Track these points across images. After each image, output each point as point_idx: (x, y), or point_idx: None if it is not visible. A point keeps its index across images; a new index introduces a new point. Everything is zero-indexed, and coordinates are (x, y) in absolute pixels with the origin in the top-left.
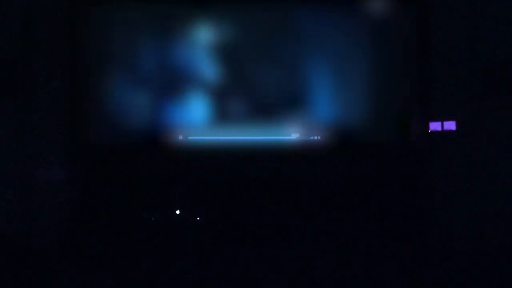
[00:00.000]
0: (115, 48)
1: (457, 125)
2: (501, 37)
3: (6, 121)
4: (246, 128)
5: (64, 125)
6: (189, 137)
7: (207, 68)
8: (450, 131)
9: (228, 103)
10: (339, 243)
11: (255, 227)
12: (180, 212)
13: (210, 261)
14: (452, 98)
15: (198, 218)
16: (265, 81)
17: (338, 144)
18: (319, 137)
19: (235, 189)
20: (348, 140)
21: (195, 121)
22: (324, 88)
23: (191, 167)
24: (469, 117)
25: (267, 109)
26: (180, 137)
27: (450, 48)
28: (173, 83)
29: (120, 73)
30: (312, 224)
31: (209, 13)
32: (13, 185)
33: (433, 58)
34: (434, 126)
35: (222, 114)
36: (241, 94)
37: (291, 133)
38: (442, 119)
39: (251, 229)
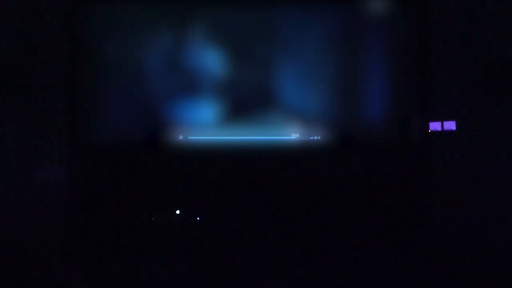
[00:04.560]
0: (115, 47)
1: (457, 125)
2: (501, 37)
3: (6, 121)
4: (246, 128)
5: (64, 125)
6: (189, 137)
7: (207, 67)
8: (450, 131)
9: (228, 102)
10: (339, 243)
11: (255, 227)
12: (180, 212)
13: (210, 261)
14: (452, 98)
15: (198, 218)
16: (266, 81)
17: (338, 144)
18: (319, 137)
19: (235, 189)
20: (348, 140)
21: (195, 121)
22: (324, 88)
23: (191, 167)
24: (469, 117)
25: (268, 109)
26: (180, 137)
27: (450, 48)
28: (173, 82)
29: (120, 73)
30: (312, 224)
31: (208, 10)
32: (13, 185)
33: (433, 58)
34: (434, 126)
35: (222, 114)
36: (242, 94)
37: (291, 133)
38: (442, 119)
39: (251, 229)
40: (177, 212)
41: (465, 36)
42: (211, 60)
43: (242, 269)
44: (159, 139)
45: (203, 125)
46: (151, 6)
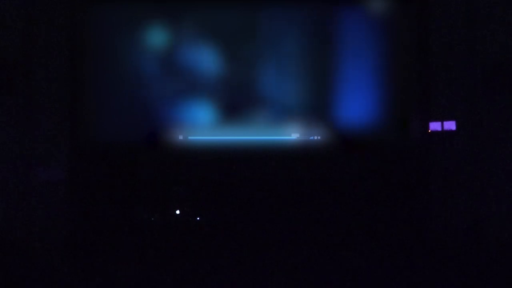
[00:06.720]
0: (115, 48)
1: (457, 125)
2: (501, 37)
3: (6, 121)
4: (247, 128)
5: (64, 125)
6: (189, 137)
7: (209, 69)
8: (450, 131)
9: (228, 103)
10: (339, 242)
11: (255, 226)
12: (180, 212)
13: (210, 261)
14: (452, 98)
15: (198, 218)
16: (266, 81)
17: (338, 144)
18: (319, 137)
19: (235, 189)
20: (348, 140)
21: (195, 121)
22: (324, 88)
23: (191, 167)
24: (469, 117)
25: (268, 109)
26: (180, 137)
27: (450, 48)
28: (174, 83)
29: (120, 73)
30: (312, 223)
31: (208, 12)
32: (13, 185)
33: (433, 58)
34: (434, 126)
35: (223, 114)
36: (243, 94)
37: (291, 133)
38: (442, 119)
39: (251, 228)
40: (177, 212)
41: (465, 36)
42: (212, 62)
43: (242, 269)
44: (159, 139)
45: (203, 126)
46: (151, 7)
